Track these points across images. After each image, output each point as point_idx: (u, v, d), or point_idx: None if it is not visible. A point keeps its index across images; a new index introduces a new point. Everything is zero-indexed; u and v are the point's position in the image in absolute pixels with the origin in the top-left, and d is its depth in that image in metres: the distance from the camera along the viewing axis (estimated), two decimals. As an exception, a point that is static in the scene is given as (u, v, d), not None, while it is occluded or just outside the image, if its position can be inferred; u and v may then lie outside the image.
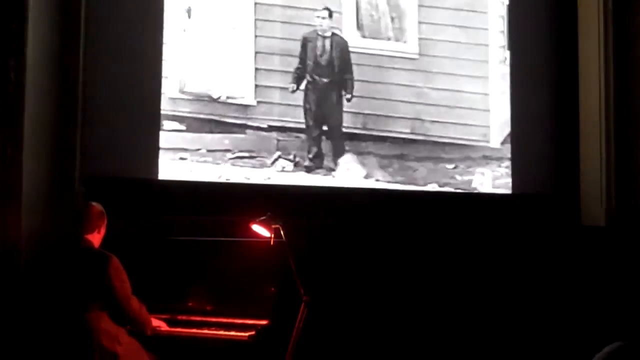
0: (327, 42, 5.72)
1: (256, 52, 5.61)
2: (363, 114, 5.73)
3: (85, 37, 5.03)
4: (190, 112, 5.44)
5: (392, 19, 5.81)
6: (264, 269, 4.36)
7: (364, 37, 5.81)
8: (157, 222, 4.85)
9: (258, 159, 5.52)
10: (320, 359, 4.73)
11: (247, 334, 4.07)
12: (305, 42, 5.69)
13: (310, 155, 5.62)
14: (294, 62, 5.65)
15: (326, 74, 5.71)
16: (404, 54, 5.85)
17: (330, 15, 5.72)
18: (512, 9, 6.11)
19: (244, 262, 4.41)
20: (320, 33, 5.72)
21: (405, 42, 5.87)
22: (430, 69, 5.87)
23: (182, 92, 5.47)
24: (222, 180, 5.42)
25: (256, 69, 5.61)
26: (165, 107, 5.38)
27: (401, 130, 5.77)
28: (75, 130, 4.95)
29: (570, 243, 5.61)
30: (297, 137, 5.60)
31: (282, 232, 4.11)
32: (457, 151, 5.86)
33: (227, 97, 5.54)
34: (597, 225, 5.79)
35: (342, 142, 5.69)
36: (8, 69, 4.37)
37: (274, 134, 5.55)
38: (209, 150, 5.43)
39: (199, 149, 5.42)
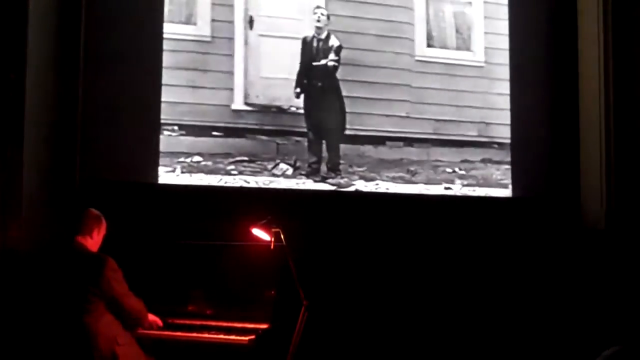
0: (322, 44, 5.72)
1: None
2: (430, 119, 5.89)
3: (85, 40, 5.03)
4: (255, 124, 5.51)
5: (457, 30, 6.03)
6: (264, 272, 4.36)
7: (432, 46, 5.98)
8: (157, 226, 4.85)
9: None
10: (321, 362, 4.74)
11: (247, 338, 4.08)
12: (304, 45, 5.69)
13: (310, 160, 5.60)
14: (365, 72, 5.75)
15: (321, 76, 5.71)
16: (471, 62, 6.06)
17: (328, 17, 5.72)
18: (512, 9, 6.15)
19: (244, 266, 4.41)
20: (316, 35, 5.72)
21: (472, 51, 6.09)
22: (495, 75, 6.07)
23: (247, 103, 5.52)
24: (223, 183, 5.42)
25: None
26: (229, 119, 5.46)
27: (469, 133, 5.98)
28: (76, 133, 4.96)
29: (570, 245, 5.61)
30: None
31: (282, 236, 4.11)
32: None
33: (297, 108, 5.62)
34: (597, 228, 5.79)
35: (339, 145, 5.69)
36: (8, 73, 4.38)
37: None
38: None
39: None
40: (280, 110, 5.59)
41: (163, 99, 5.30)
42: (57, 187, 4.83)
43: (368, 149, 5.74)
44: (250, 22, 5.53)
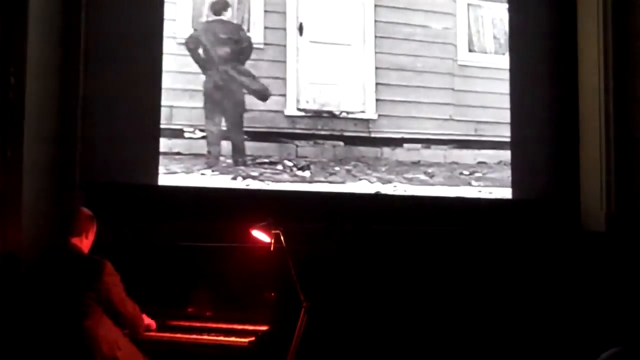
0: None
1: (376, 68, 5.82)
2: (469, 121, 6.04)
3: (86, 42, 5.03)
4: (309, 129, 5.63)
5: (494, 35, 6.19)
6: (264, 274, 4.34)
7: (473, 51, 6.12)
8: (157, 228, 4.84)
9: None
10: (321, 364, 4.73)
11: (247, 340, 4.07)
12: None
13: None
14: (409, 76, 5.87)
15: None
16: (506, 65, 6.17)
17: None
18: (511, 9, 6.19)
19: (244, 268, 4.39)
20: None
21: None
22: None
23: (300, 109, 5.61)
24: (236, 186, 5.44)
25: (376, 84, 5.82)
26: (281, 124, 5.56)
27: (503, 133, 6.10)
28: (76, 135, 4.96)
29: (570, 248, 5.61)
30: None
31: (282, 238, 4.10)
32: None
33: (348, 113, 5.72)
34: (597, 230, 5.79)
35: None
36: (8, 74, 4.38)
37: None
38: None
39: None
40: (331, 115, 5.70)
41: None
42: (57, 190, 4.83)
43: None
44: (300, 28, 5.60)
